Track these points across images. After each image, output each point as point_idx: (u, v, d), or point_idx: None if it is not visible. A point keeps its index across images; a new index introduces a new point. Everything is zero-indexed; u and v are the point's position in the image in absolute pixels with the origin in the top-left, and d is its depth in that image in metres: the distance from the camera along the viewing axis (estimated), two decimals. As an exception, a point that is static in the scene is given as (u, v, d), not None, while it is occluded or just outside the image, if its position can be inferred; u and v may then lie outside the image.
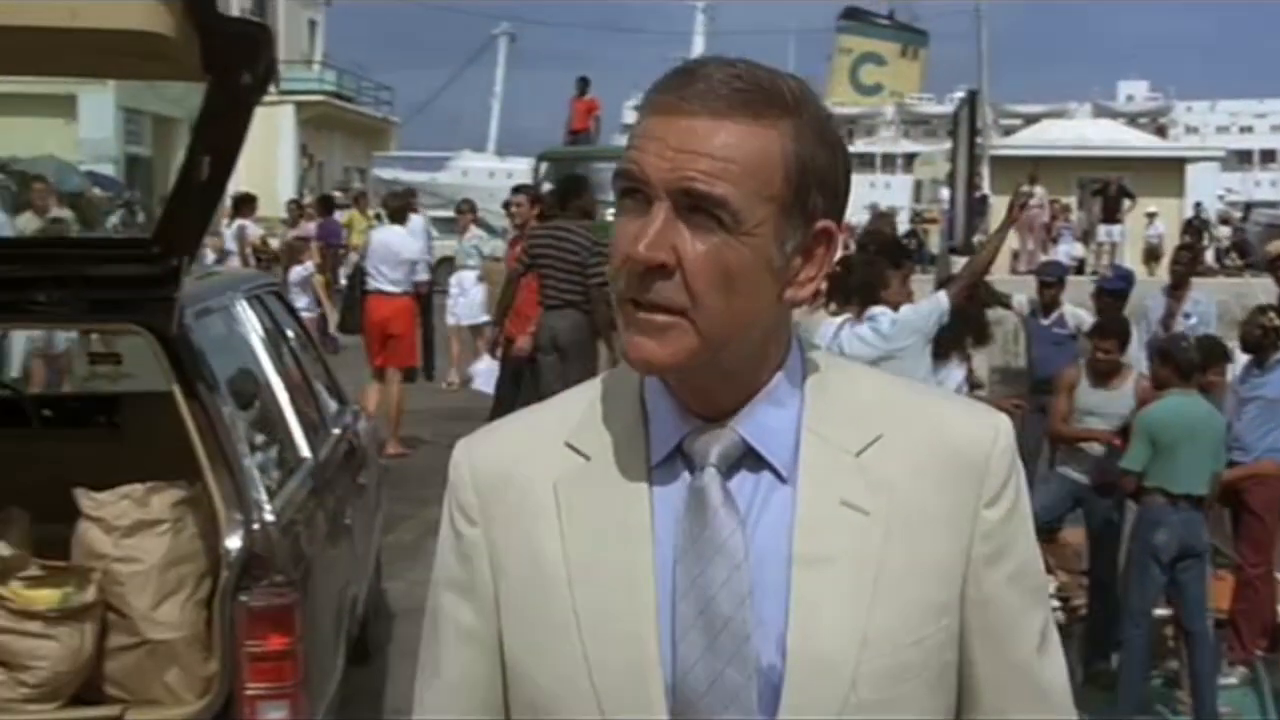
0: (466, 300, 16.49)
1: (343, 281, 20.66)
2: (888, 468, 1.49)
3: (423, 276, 13.12)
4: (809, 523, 1.47)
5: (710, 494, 1.46)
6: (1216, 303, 11.78)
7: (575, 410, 1.56)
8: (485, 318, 14.96)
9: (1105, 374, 7.84)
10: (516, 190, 12.81)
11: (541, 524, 1.50)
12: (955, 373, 7.47)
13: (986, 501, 1.51)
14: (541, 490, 1.51)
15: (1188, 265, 11.54)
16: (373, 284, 12.58)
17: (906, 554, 1.47)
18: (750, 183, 1.41)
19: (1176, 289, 11.17)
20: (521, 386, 10.32)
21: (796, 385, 1.52)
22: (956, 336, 7.42)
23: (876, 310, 6.81)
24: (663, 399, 1.51)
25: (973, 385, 7.93)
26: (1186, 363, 7.08)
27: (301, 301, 14.58)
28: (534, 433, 1.57)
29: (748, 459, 1.49)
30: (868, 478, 1.48)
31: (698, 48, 69.80)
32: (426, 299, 13.50)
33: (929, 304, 6.93)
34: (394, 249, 12.67)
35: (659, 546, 1.46)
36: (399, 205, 13.50)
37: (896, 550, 1.46)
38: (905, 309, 6.90)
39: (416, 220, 14.54)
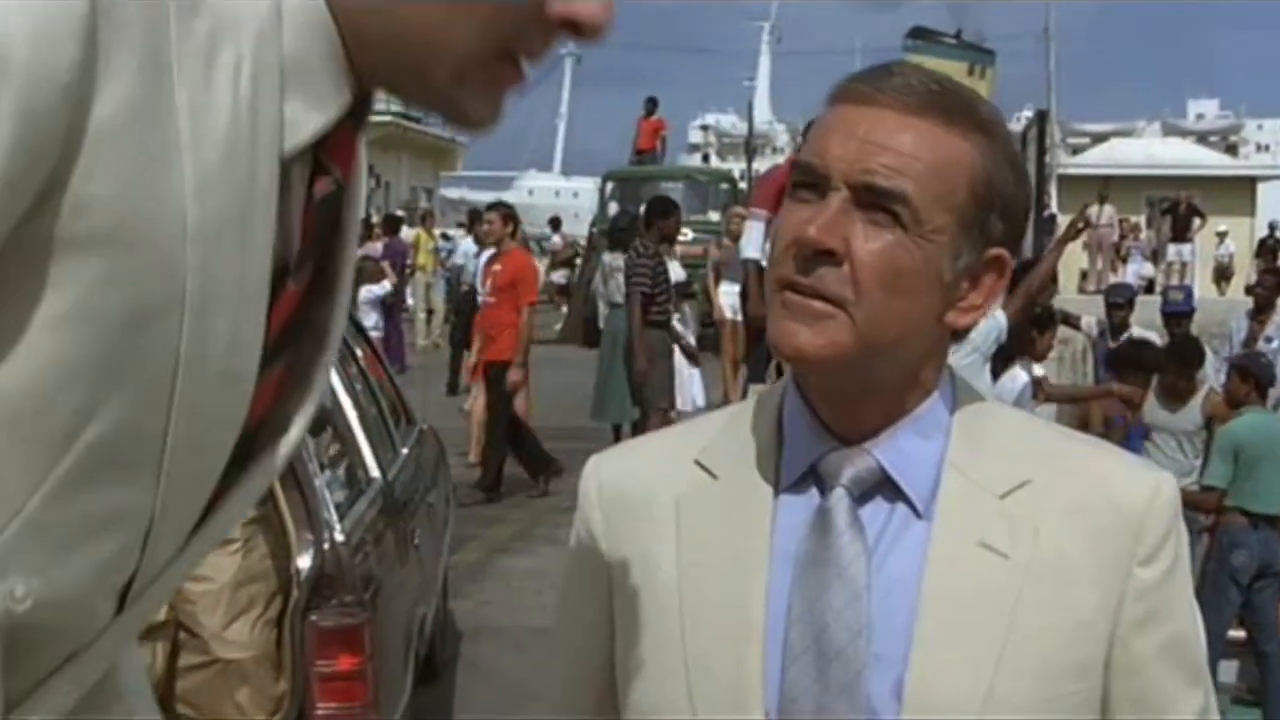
0: None
1: (409, 300, 20.80)
2: (1034, 513, 1.40)
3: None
4: (942, 561, 1.39)
5: (836, 516, 1.40)
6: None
7: (709, 430, 1.53)
8: None
9: (1175, 395, 7.77)
10: (491, 208, 12.72)
11: (659, 540, 1.46)
12: (1020, 374, 7.41)
13: (1141, 559, 1.41)
14: (663, 506, 1.47)
15: (1271, 290, 11.41)
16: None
17: (1046, 606, 1.38)
18: (934, 185, 1.36)
19: (1260, 313, 11.06)
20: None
21: (945, 418, 1.45)
22: (1012, 349, 7.40)
23: None
24: (801, 418, 1.45)
25: (1037, 383, 7.88)
26: (1267, 378, 7.01)
27: (369, 320, 14.66)
28: (665, 451, 1.54)
29: (884, 487, 1.42)
30: (1011, 521, 1.40)
31: (764, 68, 69.84)
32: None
33: (988, 323, 6.89)
34: None
35: (777, 569, 1.41)
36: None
37: (1035, 600, 1.37)
38: None
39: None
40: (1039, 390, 7.60)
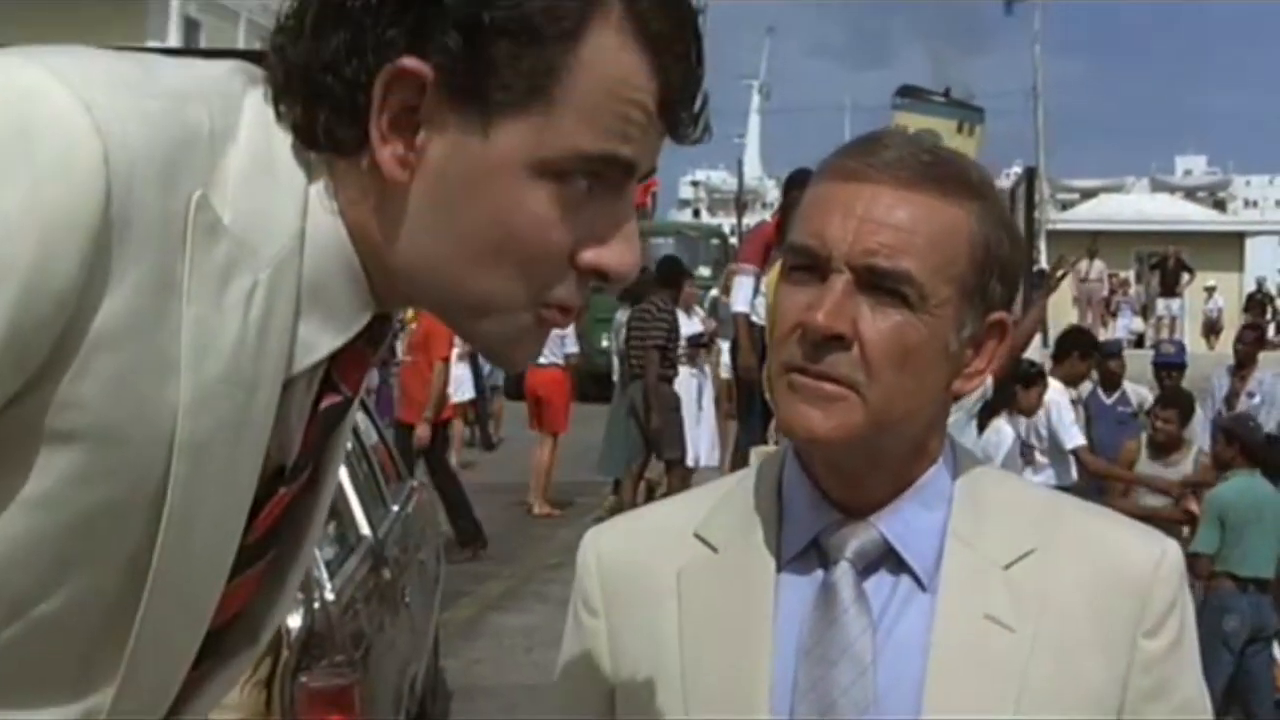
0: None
1: (399, 355, 20.74)
2: (1039, 584, 1.38)
3: (572, 349, 13.23)
4: (947, 635, 1.37)
5: (842, 591, 1.39)
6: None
7: (708, 501, 1.51)
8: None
9: (1165, 446, 7.75)
10: None
11: (662, 613, 1.44)
12: (1006, 429, 7.40)
13: (1147, 630, 1.39)
14: (665, 579, 1.45)
15: (1251, 345, 11.44)
16: None
17: (1053, 678, 1.36)
18: (935, 258, 1.36)
19: (1241, 368, 11.08)
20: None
21: (947, 486, 1.44)
22: (997, 404, 7.40)
23: None
24: (801, 490, 1.44)
25: (1025, 446, 7.88)
26: (1254, 444, 7.00)
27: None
28: (664, 523, 1.52)
29: (888, 560, 1.41)
30: (1016, 593, 1.38)
31: (754, 125, 70.21)
32: (576, 369, 13.58)
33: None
34: None
35: (781, 644, 1.39)
36: None
37: (1042, 672, 1.36)
38: None
39: None
40: (1082, 467, 7.57)
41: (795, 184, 10.02)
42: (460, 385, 15.05)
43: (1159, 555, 1.42)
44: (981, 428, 7.11)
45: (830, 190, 1.39)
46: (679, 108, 1.15)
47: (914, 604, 1.39)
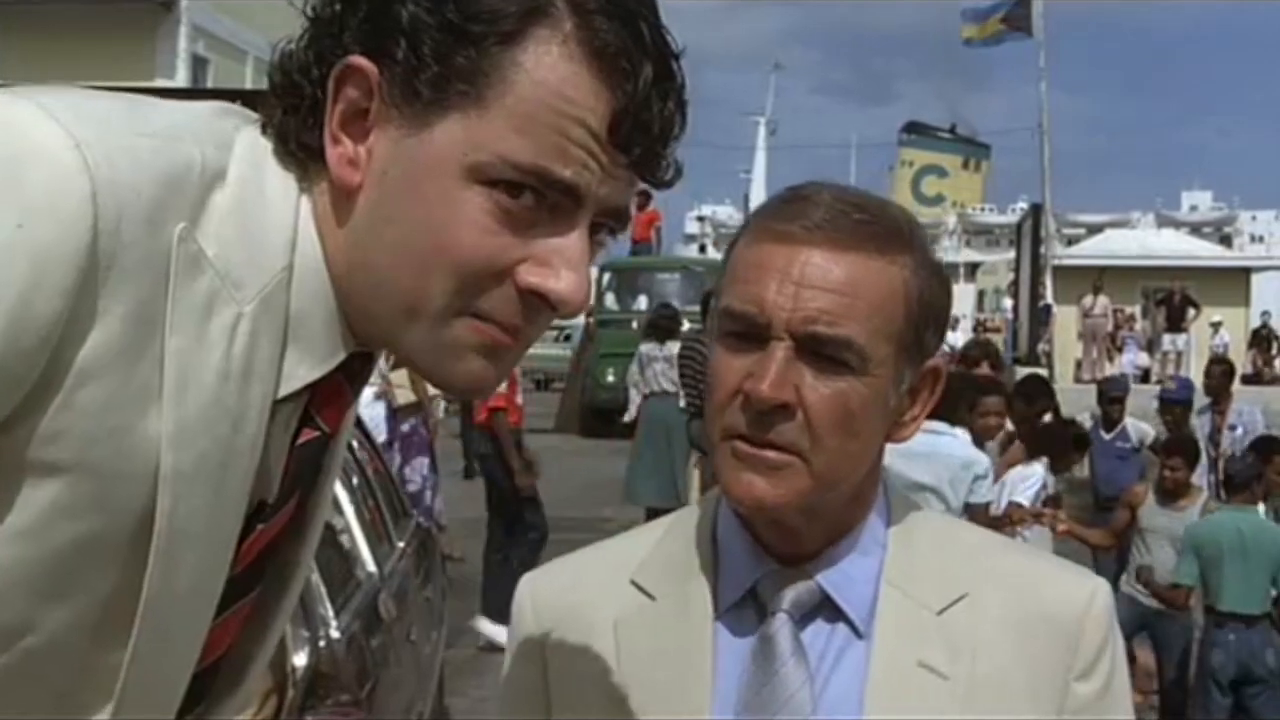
0: None
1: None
2: (971, 629, 1.38)
3: None
4: (882, 684, 1.37)
5: (779, 643, 1.39)
6: (1261, 410, 11.64)
7: (644, 546, 1.50)
8: None
9: (1173, 493, 7.72)
10: None
11: (598, 664, 1.43)
12: (1038, 470, 7.36)
13: (1078, 674, 1.39)
14: (602, 628, 1.45)
15: (1220, 379, 11.45)
16: None
17: None
18: (875, 320, 1.35)
19: (1217, 404, 11.09)
20: None
21: (881, 531, 1.44)
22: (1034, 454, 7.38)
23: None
24: (737, 538, 1.43)
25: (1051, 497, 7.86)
26: (1231, 476, 7.03)
27: (371, 412, 14.60)
28: (600, 568, 1.51)
29: (824, 608, 1.41)
30: (949, 639, 1.38)
31: (759, 161, 70.35)
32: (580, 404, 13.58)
33: (1032, 479, 6.97)
34: None
35: (720, 696, 1.39)
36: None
37: None
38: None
39: None
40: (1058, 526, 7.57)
41: None
42: None
43: (1089, 596, 1.42)
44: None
45: (763, 254, 1.37)
46: (630, 131, 1.13)
47: (850, 652, 1.39)
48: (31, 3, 18.87)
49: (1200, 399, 11.19)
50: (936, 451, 5.78)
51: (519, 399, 9.85)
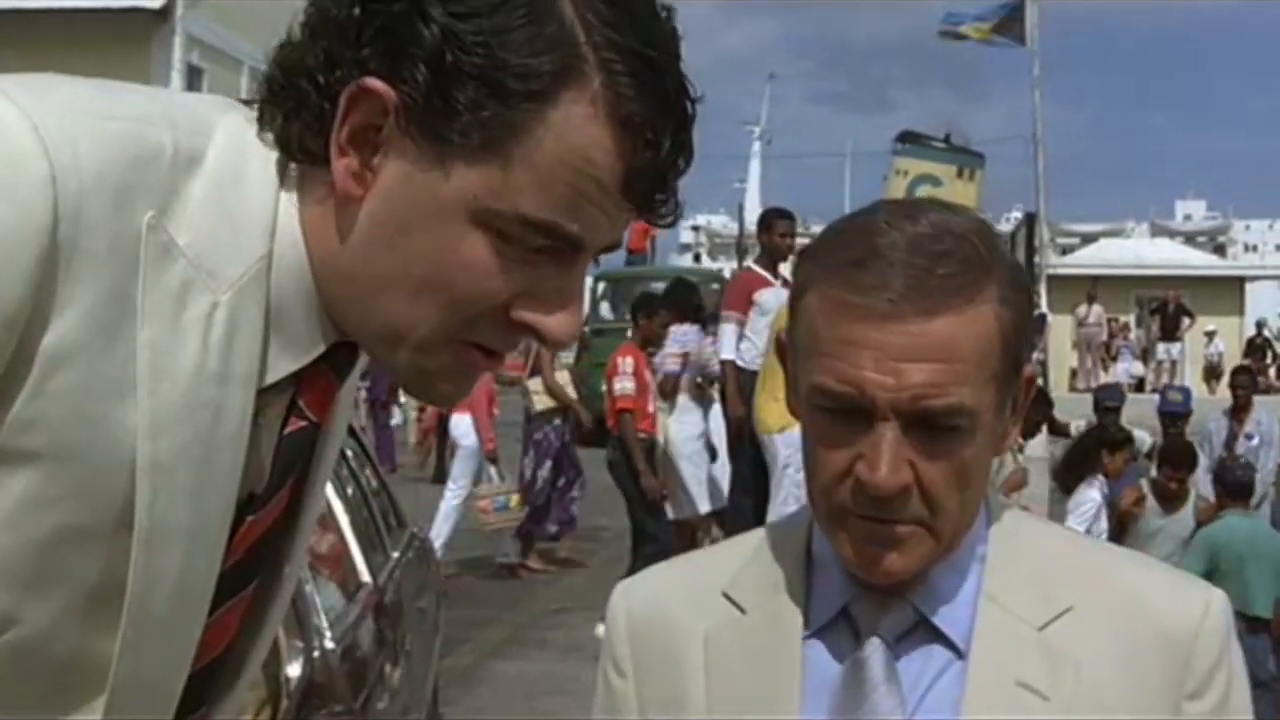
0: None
1: (401, 398, 20.71)
2: (1074, 646, 1.31)
3: None
4: (978, 705, 1.30)
5: (872, 668, 1.33)
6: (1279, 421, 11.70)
7: (738, 558, 1.46)
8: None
9: (1169, 497, 7.81)
10: None
11: (688, 676, 1.39)
12: (1093, 494, 7.39)
13: (1190, 692, 1.31)
14: (692, 641, 1.40)
15: (1247, 388, 11.50)
16: None
17: None
18: (977, 375, 1.29)
19: (1238, 411, 11.13)
20: None
21: (980, 545, 1.38)
22: (1085, 468, 7.41)
23: None
24: (832, 557, 1.38)
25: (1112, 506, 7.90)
26: (1233, 483, 7.04)
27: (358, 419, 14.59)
28: (693, 579, 1.47)
29: (921, 629, 1.35)
30: (1050, 656, 1.31)
31: (754, 170, 70.35)
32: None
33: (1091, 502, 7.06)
34: None
35: (809, 717, 1.34)
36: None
37: None
38: None
39: None
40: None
41: (764, 227, 10.11)
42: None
43: (1202, 609, 1.34)
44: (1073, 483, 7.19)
45: (851, 333, 1.28)
46: (643, 189, 1.14)
47: (948, 673, 1.34)
48: (25, 12, 18.85)
49: (1204, 404, 11.26)
50: None
51: (651, 406, 9.65)
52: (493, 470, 11.54)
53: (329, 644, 4.22)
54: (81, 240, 1.01)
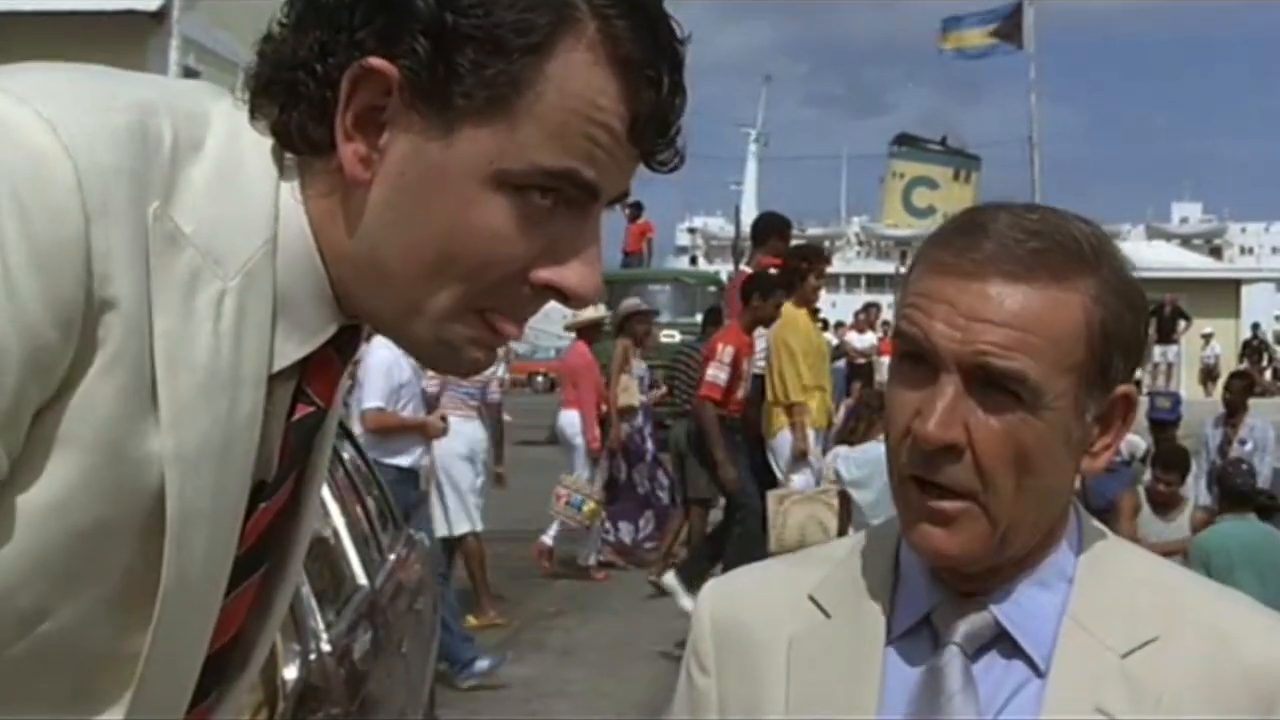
0: None
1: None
2: (1158, 678, 1.29)
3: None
4: None
5: (949, 675, 1.33)
6: (1274, 425, 11.71)
7: (825, 563, 1.46)
8: None
9: (1166, 504, 7.81)
10: None
11: (769, 678, 1.40)
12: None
13: None
14: (776, 643, 1.41)
15: (1240, 392, 11.49)
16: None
17: None
18: (1051, 354, 1.27)
19: (1232, 415, 11.13)
20: None
21: (1069, 564, 1.36)
22: None
23: None
24: (916, 563, 1.38)
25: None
26: (1233, 488, 7.03)
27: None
28: (779, 582, 1.48)
29: (1002, 643, 1.34)
30: (1132, 686, 1.29)
31: (751, 172, 70.45)
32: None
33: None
34: None
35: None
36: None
37: None
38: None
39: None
40: None
41: (764, 230, 10.13)
42: None
43: None
44: None
45: (932, 286, 1.32)
46: (650, 133, 1.15)
47: (1026, 690, 1.33)
48: (21, 14, 18.84)
49: (1200, 407, 11.26)
50: None
51: (740, 393, 9.41)
52: (586, 469, 11.48)
53: (325, 647, 4.22)
54: (110, 237, 1.02)
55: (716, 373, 9.20)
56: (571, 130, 1.11)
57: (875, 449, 6.92)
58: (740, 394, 9.40)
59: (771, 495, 8.86)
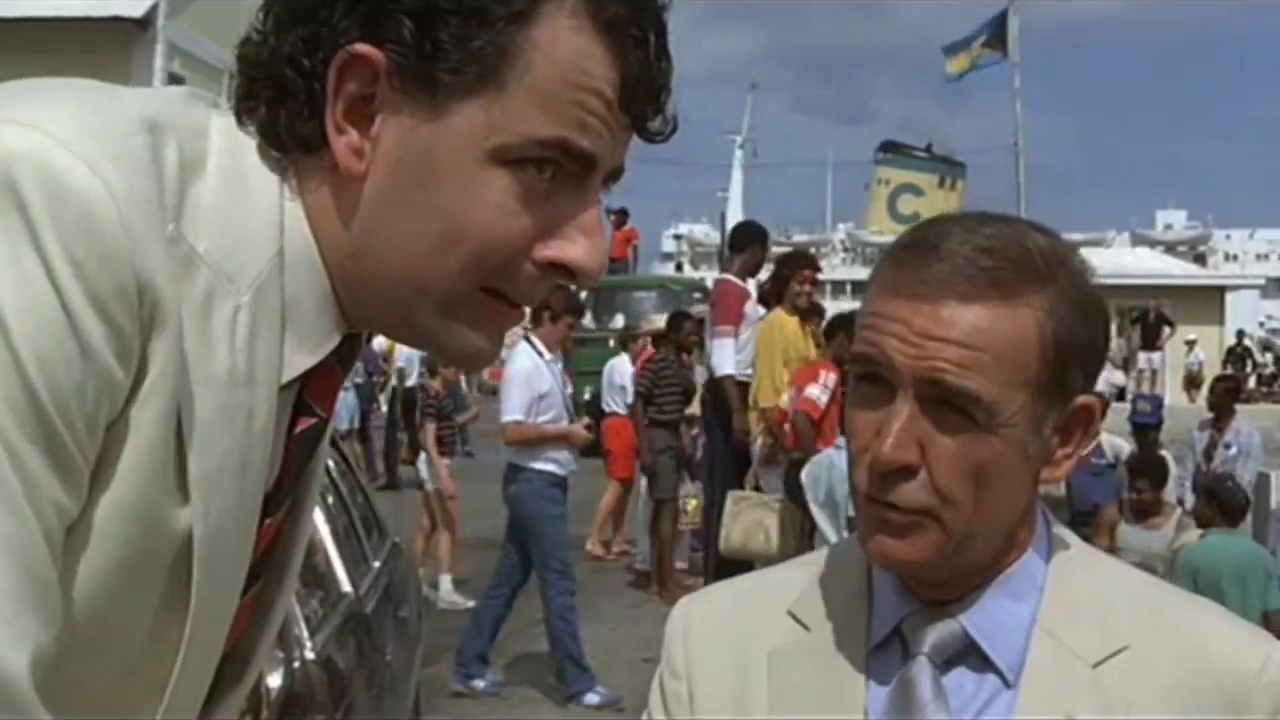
0: None
1: (384, 408, 20.70)
2: (1128, 686, 1.29)
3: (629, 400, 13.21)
4: None
5: (919, 687, 1.33)
6: (1260, 430, 11.72)
7: (801, 577, 1.47)
8: None
9: (1144, 512, 7.78)
10: None
11: (751, 691, 1.40)
12: None
13: None
14: (756, 657, 1.41)
15: (1223, 396, 11.49)
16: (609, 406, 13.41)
17: None
18: (1004, 371, 1.28)
19: (1218, 420, 11.14)
20: None
21: (1039, 573, 1.37)
22: None
23: None
24: (887, 575, 1.39)
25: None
26: (1231, 503, 7.02)
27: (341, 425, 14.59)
28: (756, 596, 1.48)
29: (971, 654, 1.34)
30: (1103, 695, 1.29)
31: (736, 179, 70.50)
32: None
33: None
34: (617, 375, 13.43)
35: None
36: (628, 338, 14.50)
37: None
38: None
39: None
40: None
41: (755, 241, 10.14)
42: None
43: (1262, 661, 1.31)
44: None
45: (887, 307, 1.32)
46: (640, 99, 1.14)
47: (997, 701, 1.33)
48: (6, 21, 18.80)
49: (1184, 413, 11.26)
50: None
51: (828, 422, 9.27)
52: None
53: (309, 654, 4.21)
54: (149, 264, 1.02)
55: (819, 394, 8.76)
56: (562, 99, 1.11)
57: (825, 456, 6.90)
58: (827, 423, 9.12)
59: (730, 495, 8.94)
